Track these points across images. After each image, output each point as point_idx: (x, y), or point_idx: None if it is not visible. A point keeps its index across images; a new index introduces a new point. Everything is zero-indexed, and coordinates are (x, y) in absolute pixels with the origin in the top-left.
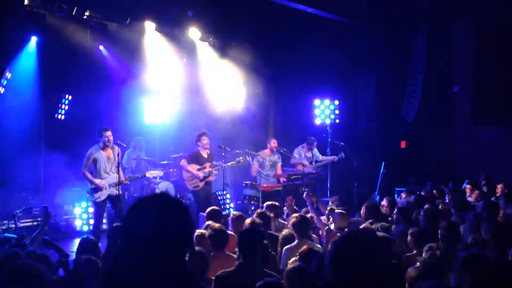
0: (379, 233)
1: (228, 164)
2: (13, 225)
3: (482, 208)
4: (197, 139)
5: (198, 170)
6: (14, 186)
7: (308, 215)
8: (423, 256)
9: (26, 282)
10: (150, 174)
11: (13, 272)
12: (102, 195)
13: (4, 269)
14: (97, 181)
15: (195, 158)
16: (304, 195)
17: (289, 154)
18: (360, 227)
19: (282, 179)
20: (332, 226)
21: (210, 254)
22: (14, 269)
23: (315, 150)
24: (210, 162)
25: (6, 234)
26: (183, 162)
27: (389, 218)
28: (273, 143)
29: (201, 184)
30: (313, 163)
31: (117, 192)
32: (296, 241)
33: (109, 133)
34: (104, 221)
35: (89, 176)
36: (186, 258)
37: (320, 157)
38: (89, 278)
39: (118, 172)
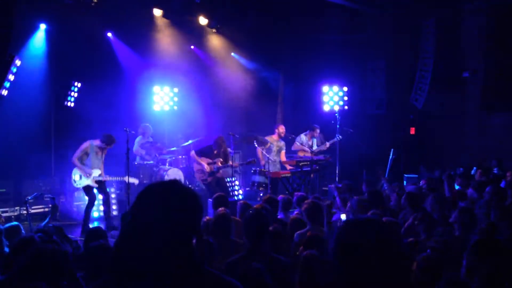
0: (386, 218)
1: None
2: (25, 211)
3: (490, 194)
4: (218, 141)
5: (208, 164)
6: (25, 173)
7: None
8: (435, 241)
9: (51, 265)
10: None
11: (37, 255)
12: (80, 183)
13: (25, 253)
14: (86, 169)
15: (205, 153)
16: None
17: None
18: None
19: (288, 166)
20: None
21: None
22: (37, 252)
23: (314, 140)
24: (222, 158)
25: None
26: (193, 153)
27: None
28: (281, 129)
29: (209, 179)
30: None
31: (97, 185)
32: (308, 227)
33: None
34: (114, 207)
35: (79, 164)
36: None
37: (314, 146)
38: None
39: (101, 168)
